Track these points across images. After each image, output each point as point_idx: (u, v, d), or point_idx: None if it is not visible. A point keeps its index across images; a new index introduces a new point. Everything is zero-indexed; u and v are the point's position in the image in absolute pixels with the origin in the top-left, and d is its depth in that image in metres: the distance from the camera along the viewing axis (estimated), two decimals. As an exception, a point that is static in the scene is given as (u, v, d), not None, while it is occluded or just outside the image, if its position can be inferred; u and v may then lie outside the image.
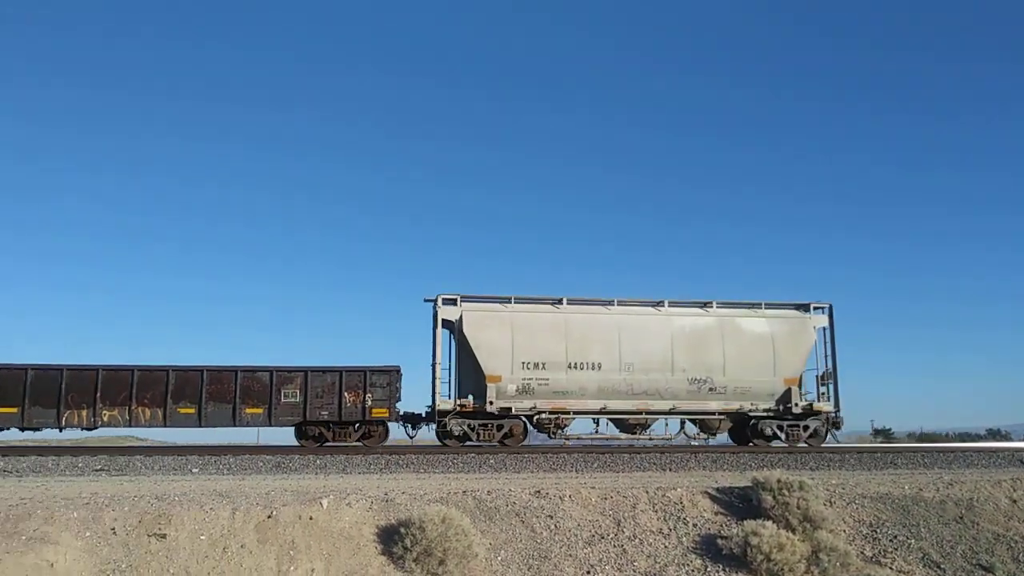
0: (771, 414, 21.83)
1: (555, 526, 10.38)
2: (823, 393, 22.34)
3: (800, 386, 21.87)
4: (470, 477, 14.20)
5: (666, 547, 10.24)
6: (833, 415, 22.03)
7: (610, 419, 21.56)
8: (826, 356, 22.74)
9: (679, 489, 11.41)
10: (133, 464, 16.54)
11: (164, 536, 9.30)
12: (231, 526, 9.60)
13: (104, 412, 20.10)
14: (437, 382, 21.15)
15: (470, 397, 20.99)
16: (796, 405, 21.63)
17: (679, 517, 10.84)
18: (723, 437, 22.37)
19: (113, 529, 9.35)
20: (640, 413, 21.31)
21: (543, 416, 21.02)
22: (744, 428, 21.75)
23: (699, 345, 21.69)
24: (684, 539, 10.43)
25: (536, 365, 20.93)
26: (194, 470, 16.15)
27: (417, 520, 9.65)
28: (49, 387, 20.06)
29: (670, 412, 21.48)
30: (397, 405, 21.30)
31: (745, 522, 10.49)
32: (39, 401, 19.98)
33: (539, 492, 11.03)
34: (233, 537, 9.48)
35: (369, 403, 20.66)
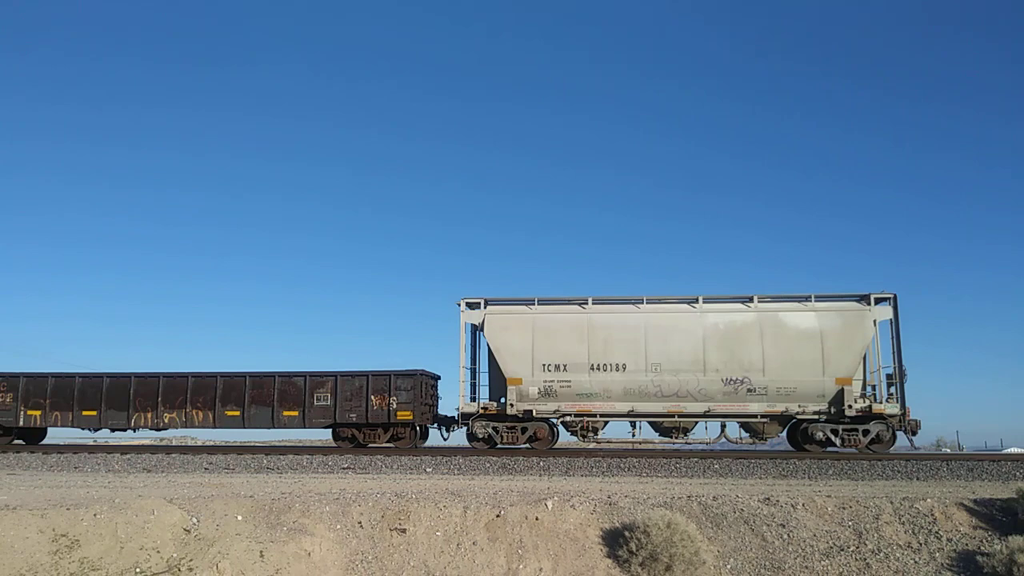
0: (822, 417, 20.07)
1: (788, 535, 9.98)
2: (891, 395, 20.17)
3: (863, 386, 20.23)
4: (694, 482, 13.98)
5: (916, 563, 9.56)
6: (900, 418, 19.73)
7: (647, 422, 20.70)
8: (893, 352, 20.55)
9: (929, 500, 10.66)
10: (374, 463, 18.18)
11: (404, 531, 9.98)
12: (463, 524, 10.13)
13: (165, 415, 22.44)
14: (462, 385, 21.31)
15: (500, 400, 20.85)
16: (850, 407, 19.68)
17: (930, 530, 10.10)
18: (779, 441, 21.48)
19: (360, 523, 10.19)
20: (672, 416, 20.31)
21: (568, 419, 20.56)
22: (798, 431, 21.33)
23: (735, 343, 20.37)
24: (937, 555, 9.67)
25: (557, 367, 20.36)
26: (428, 469, 17.09)
27: (641, 524, 9.67)
28: (121, 393, 22.69)
29: (705, 415, 20.35)
30: (431, 408, 22.46)
31: (1010, 538, 9.67)
32: (113, 405, 22.63)
33: (769, 499, 10.67)
34: (466, 534, 10.00)
35: (394, 406, 21.36)
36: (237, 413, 22.09)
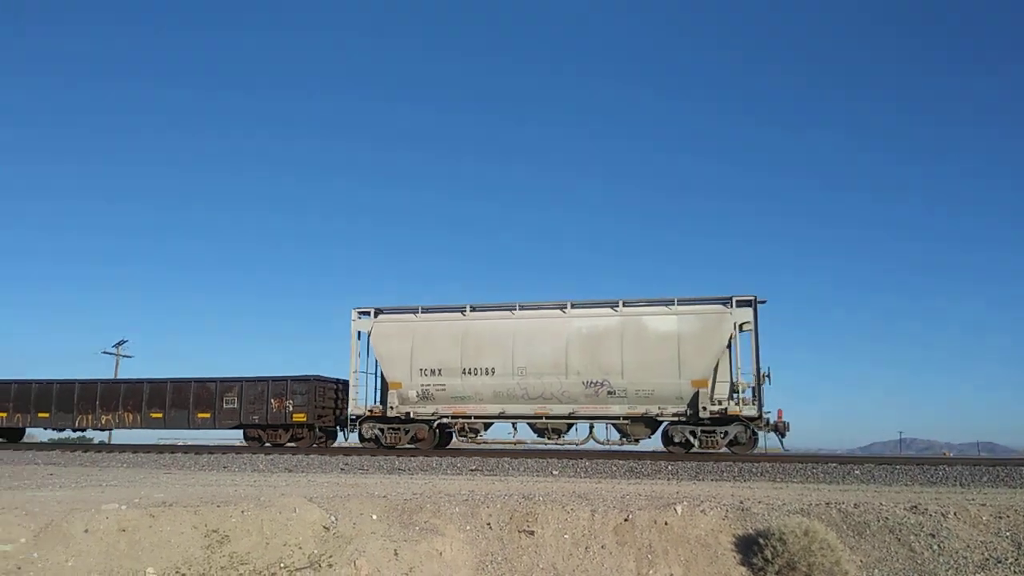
0: (682, 419, 19.38)
1: (938, 546, 9.14)
2: (745, 398, 19.23)
3: (730, 388, 19.65)
4: (832, 488, 13.08)
5: (1083, 577, 8.61)
6: (764, 420, 19.02)
7: (526, 424, 20.64)
8: (755, 355, 19.39)
9: (1099, 509, 9.53)
10: (502, 465, 16.86)
11: (532, 533, 9.90)
12: (591, 527, 9.89)
13: (103, 416, 23.88)
14: (353, 389, 21.61)
15: (385, 403, 21.32)
16: (704, 409, 18.97)
17: (1100, 542, 9.05)
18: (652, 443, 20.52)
19: (488, 524, 10.10)
20: (540, 417, 20.25)
21: (445, 420, 20.80)
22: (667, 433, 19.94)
23: (596, 347, 20.01)
24: (1107, 568, 8.67)
25: (433, 372, 20.75)
26: (555, 472, 15.56)
27: (777, 531, 9.07)
28: (68, 397, 24.34)
29: (570, 416, 20.19)
30: (332, 411, 23.25)
31: None
32: (62, 408, 24.33)
33: (916, 507, 9.80)
34: (594, 538, 9.76)
35: (290, 408, 22.31)
36: (160, 415, 23.33)
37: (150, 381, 23.89)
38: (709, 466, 15.77)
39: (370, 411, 21.27)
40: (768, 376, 19.29)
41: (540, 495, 10.75)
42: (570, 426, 20.31)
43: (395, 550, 9.17)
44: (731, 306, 19.60)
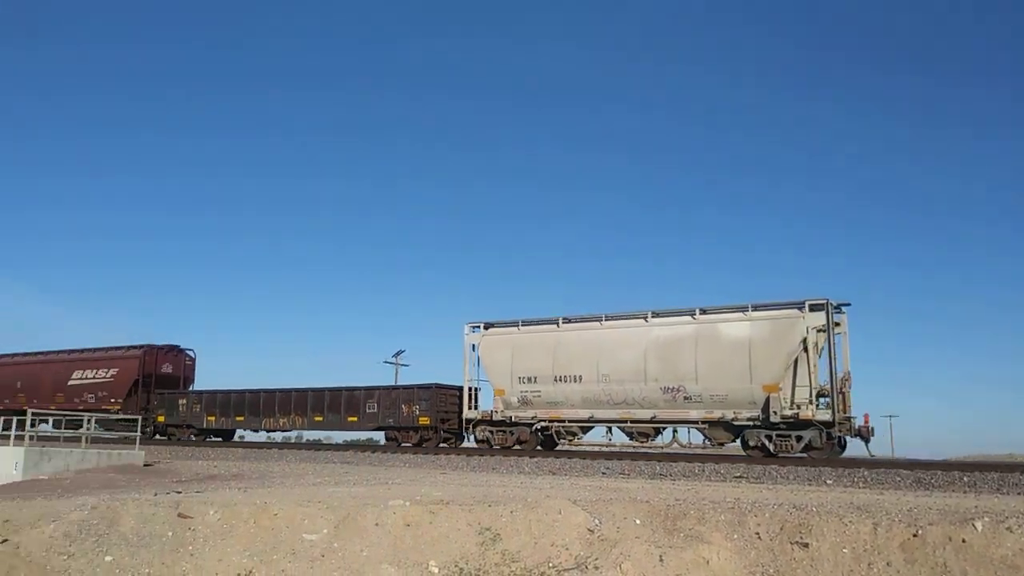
0: (757, 423, 19.45)
1: None
2: (825, 402, 19.47)
3: (809, 391, 19.80)
4: None
5: None
6: (849, 425, 19.34)
7: (619, 428, 21.39)
8: (831, 359, 18.81)
9: None
10: (768, 472, 15.11)
11: (807, 545, 9.21)
12: (874, 542, 8.94)
13: (281, 419, 26.90)
14: (467, 396, 23.02)
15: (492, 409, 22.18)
16: (775, 413, 18.68)
17: None
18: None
19: (757, 534, 9.52)
20: (625, 421, 20.85)
21: (543, 423, 21.81)
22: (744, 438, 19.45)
23: (672, 354, 20.30)
24: None
25: (530, 379, 22.07)
26: (828, 481, 13.73)
27: None
28: (256, 404, 27.46)
29: (652, 421, 20.69)
30: (456, 415, 25.12)
31: None
32: (252, 412, 27.67)
33: None
34: (877, 553, 8.81)
35: (417, 413, 24.58)
36: (321, 418, 26.05)
37: (313, 390, 26.44)
38: (1014, 478, 14.02)
39: (483, 416, 22.62)
40: (847, 380, 19.11)
41: (813, 505, 9.89)
42: (657, 430, 20.55)
43: (660, 556, 8.87)
44: (804, 311, 19.41)
